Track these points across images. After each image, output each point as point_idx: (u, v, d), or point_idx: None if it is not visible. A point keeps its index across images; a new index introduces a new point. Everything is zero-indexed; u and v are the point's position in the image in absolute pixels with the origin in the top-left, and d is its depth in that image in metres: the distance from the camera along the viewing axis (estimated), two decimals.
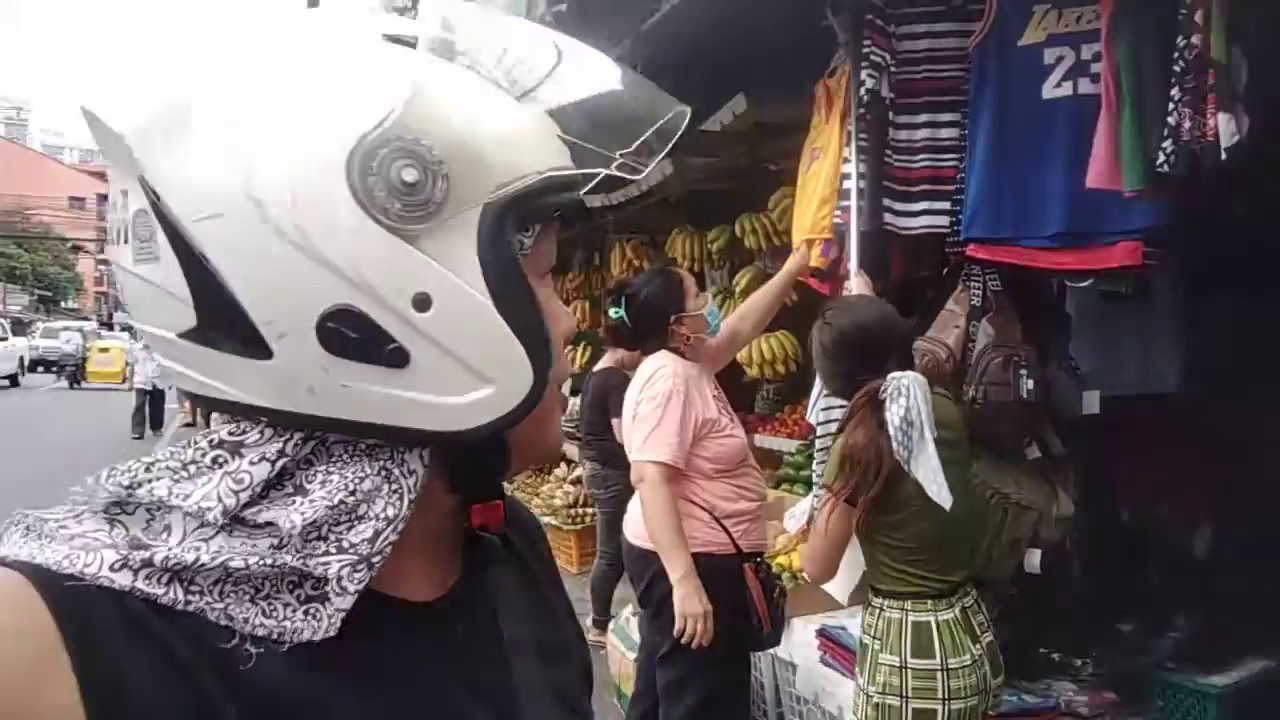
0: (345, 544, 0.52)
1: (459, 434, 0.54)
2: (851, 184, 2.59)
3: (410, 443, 0.55)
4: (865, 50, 2.50)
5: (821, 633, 2.81)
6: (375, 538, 0.53)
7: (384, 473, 0.55)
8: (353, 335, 0.51)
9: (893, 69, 2.53)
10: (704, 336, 2.67)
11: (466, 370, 0.53)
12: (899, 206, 2.55)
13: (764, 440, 4.76)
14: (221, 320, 0.51)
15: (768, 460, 4.75)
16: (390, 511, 0.54)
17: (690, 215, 5.24)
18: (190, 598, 0.50)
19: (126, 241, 0.53)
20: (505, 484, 0.65)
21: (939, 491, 1.83)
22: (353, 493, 0.53)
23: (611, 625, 3.84)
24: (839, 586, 2.27)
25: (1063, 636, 2.73)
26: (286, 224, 0.49)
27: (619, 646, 3.52)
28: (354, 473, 0.54)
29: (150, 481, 0.52)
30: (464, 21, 0.57)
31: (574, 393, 7.29)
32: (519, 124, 0.55)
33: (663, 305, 2.63)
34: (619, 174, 0.59)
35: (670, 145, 0.62)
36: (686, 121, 0.62)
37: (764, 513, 2.71)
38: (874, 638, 2.01)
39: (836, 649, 2.74)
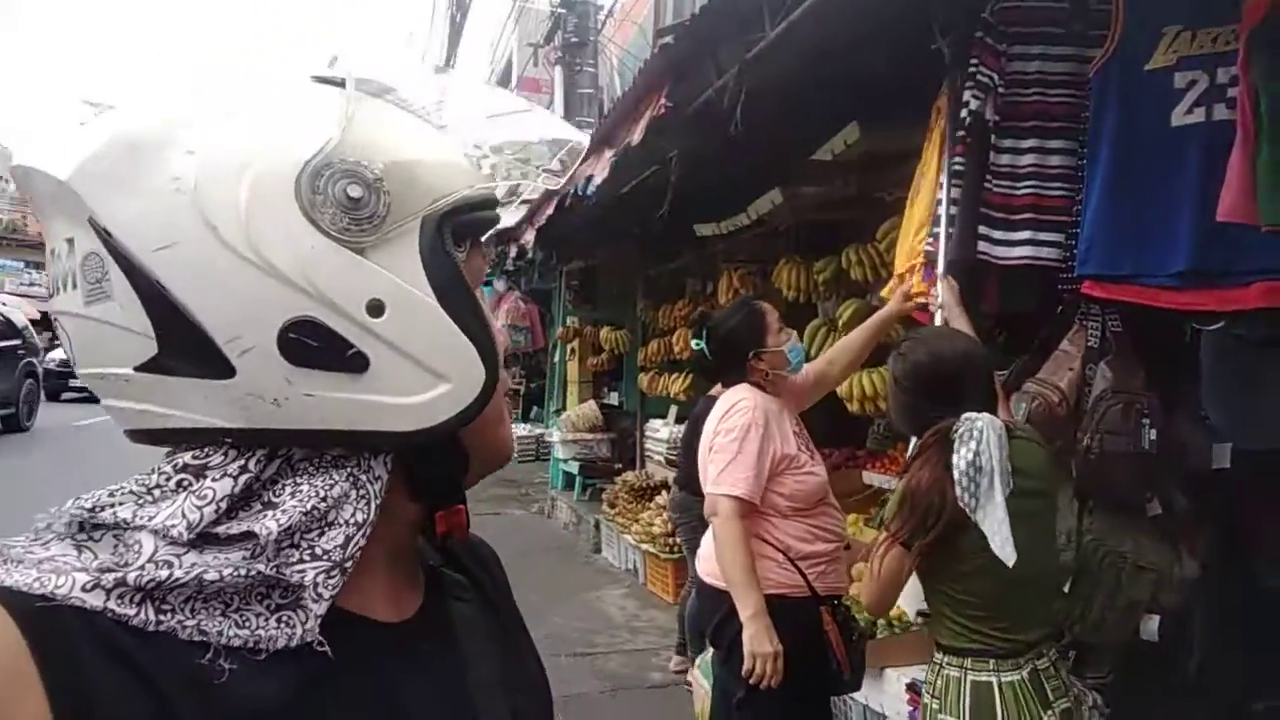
0: (318, 550, 0.54)
1: (421, 433, 0.57)
2: (943, 209, 2.47)
3: (375, 447, 0.58)
4: (972, 70, 2.38)
5: (912, 687, 2.66)
6: (346, 543, 0.55)
7: (351, 479, 0.57)
8: (313, 344, 0.54)
9: (1000, 90, 2.40)
10: (783, 373, 2.62)
11: (423, 370, 0.57)
12: (997, 235, 2.41)
13: (872, 477, 4.59)
14: (183, 345, 0.53)
15: (875, 499, 4.58)
16: (359, 517, 0.56)
17: (798, 245, 5.14)
18: (162, 618, 0.50)
19: (74, 287, 0.55)
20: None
21: (1003, 546, 1.70)
22: (324, 499, 0.55)
23: (698, 662, 3.75)
24: (908, 601, 2.14)
25: (1184, 712, 2.48)
26: (241, 244, 0.52)
27: (703, 684, 3.43)
28: (323, 481, 0.56)
29: (114, 505, 0.53)
30: (386, 71, 0.62)
31: (679, 420, 7.29)
32: (444, 148, 0.61)
33: (742, 340, 2.60)
34: (542, 184, 0.62)
35: (579, 161, 0.65)
36: (588, 144, 0.67)
37: (843, 554, 2.61)
38: (933, 696, 1.89)
39: None
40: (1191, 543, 2.32)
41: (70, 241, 0.55)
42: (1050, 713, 1.79)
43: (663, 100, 3.78)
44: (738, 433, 2.44)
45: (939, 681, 1.88)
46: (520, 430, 11.94)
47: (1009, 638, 1.83)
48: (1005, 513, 1.71)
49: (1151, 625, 2.25)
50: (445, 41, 14.76)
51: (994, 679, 1.80)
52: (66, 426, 13.10)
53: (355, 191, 0.54)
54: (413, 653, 0.62)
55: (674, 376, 7.40)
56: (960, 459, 1.75)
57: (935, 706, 1.86)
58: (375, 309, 0.55)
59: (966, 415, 1.81)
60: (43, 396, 13.76)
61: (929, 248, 2.56)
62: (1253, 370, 2.65)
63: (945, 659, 1.88)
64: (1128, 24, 2.22)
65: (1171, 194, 2.13)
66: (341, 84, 0.59)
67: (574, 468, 8.52)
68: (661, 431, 7.31)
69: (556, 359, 10.71)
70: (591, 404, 9.30)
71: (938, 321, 2.51)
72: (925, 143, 2.86)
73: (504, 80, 17.16)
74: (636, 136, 4.04)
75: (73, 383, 17.21)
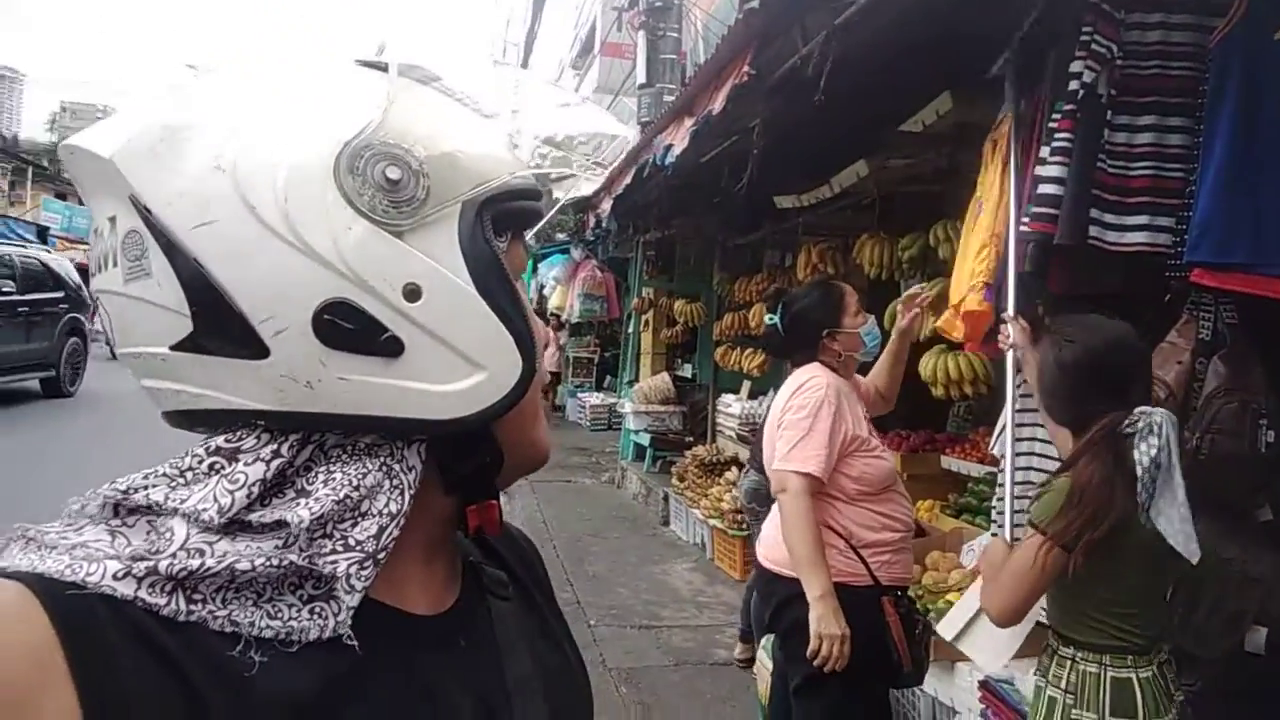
0: (351, 541, 0.54)
1: (455, 421, 0.56)
2: (1010, 198, 2.35)
3: (409, 435, 0.57)
4: (1085, 38, 2.20)
5: (985, 685, 2.57)
6: (380, 534, 0.55)
7: (385, 468, 0.56)
8: (348, 327, 0.53)
9: (1119, 61, 2.23)
10: (856, 356, 2.57)
11: (459, 357, 0.56)
12: (1110, 219, 2.24)
13: (950, 462, 4.46)
14: (218, 324, 0.53)
15: (953, 484, 4.45)
16: (393, 507, 0.56)
17: (883, 220, 4.96)
18: (193, 607, 0.50)
19: (115, 265, 0.55)
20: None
21: (1186, 544, 1.66)
22: (357, 488, 0.54)
23: (763, 642, 3.70)
24: (991, 655, 2.05)
25: None
26: (280, 224, 0.52)
27: (767, 665, 3.39)
28: (356, 470, 0.55)
29: (147, 488, 0.52)
30: (427, 58, 0.62)
31: (753, 396, 7.20)
32: (486, 135, 0.60)
33: (818, 317, 2.56)
34: (585, 176, 0.59)
35: (617, 161, 0.63)
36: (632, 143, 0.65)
37: (910, 544, 2.53)
38: (1065, 691, 1.83)
39: (1000, 705, 2.49)
40: None
41: (112, 220, 0.55)
42: (1174, 706, 1.78)
43: (746, 68, 3.67)
44: (810, 409, 2.39)
45: (1071, 676, 1.83)
46: (593, 399, 12.03)
47: (1145, 634, 1.82)
48: (1189, 510, 1.68)
49: (1259, 637, 2.12)
50: (530, 5, 14.74)
51: (1132, 675, 1.78)
52: (118, 392, 10.91)
53: (394, 174, 0.54)
54: (448, 646, 0.61)
55: (748, 351, 7.30)
56: (1143, 455, 1.69)
57: (1069, 702, 1.82)
58: (412, 293, 0.54)
59: (1142, 409, 1.75)
60: (98, 355, 11.96)
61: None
62: None
63: (1079, 654, 1.84)
64: None
65: None
66: (385, 69, 0.59)
67: (645, 439, 8.51)
68: (734, 407, 7.24)
69: (631, 329, 10.70)
70: (664, 376, 9.26)
71: (1009, 363, 2.44)
72: (981, 171, 2.75)
73: (587, 46, 17.09)
74: (718, 105, 3.94)
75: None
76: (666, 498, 7.27)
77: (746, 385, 7.40)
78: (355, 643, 0.53)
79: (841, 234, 5.65)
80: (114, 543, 0.51)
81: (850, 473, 2.40)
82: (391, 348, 0.54)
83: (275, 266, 0.52)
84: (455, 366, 0.56)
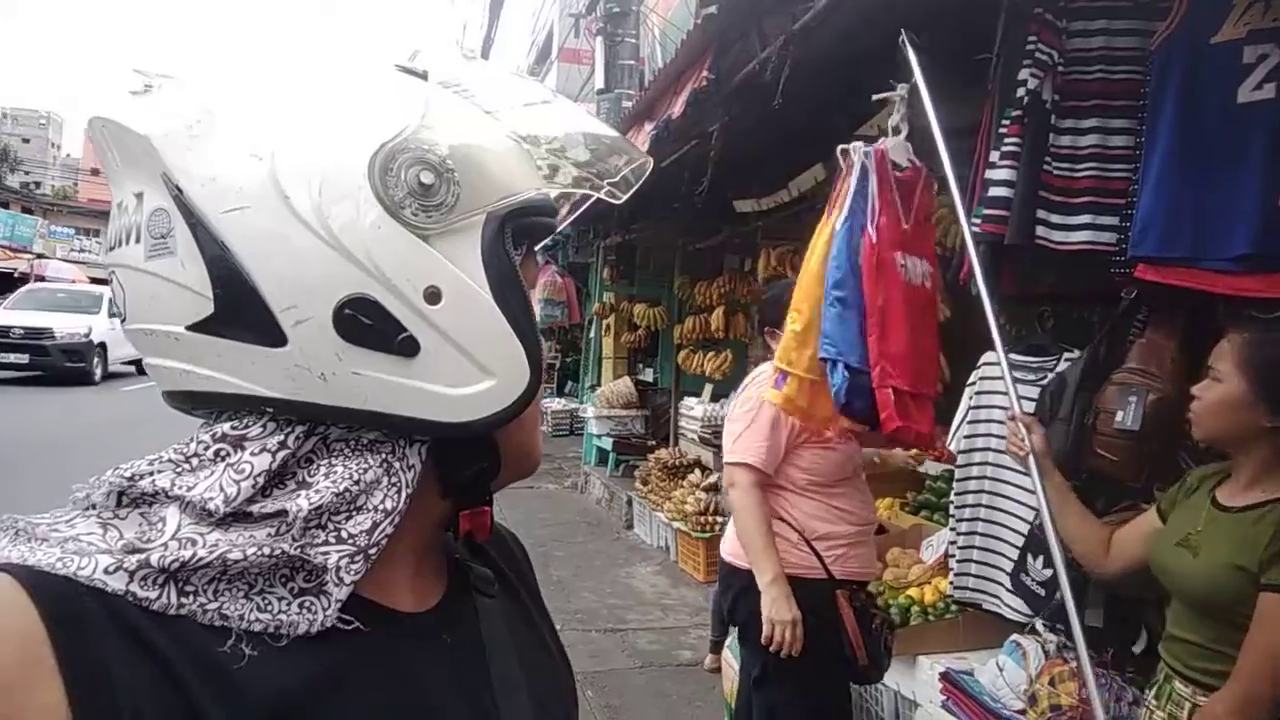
0: (344, 534, 0.54)
1: (461, 425, 0.57)
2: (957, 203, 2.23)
3: (413, 434, 0.58)
4: (1029, 47, 2.27)
5: (945, 676, 2.61)
6: (373, 529, 0.55)
7: (385, 465, 0.57)
8: (368, 323, 0.54)
9: (1061, 68, 2.30)
10: None
11: (471, 362, 0.57)
12: (1055, 219, 2.31)
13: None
14: (238, 308, 0.53)
15: (912, 482, 4.52)
16: (388, 504, 0.56)
17: None
18: (184, 600, 0.50)
19: (137, 241, 0.55)
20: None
21: None
22: (357, 482, 0.55)
23: (728, 640, 3.73)
24: None
25: None
26: (311, 216, 0.53)
27: (733, 664, 3.42)
28: (357, 464, 0.56)
29: (152, 474, 0.53)
30: (461, 67, 0.64)
31: (714, 398, 7.25)
32: (514, 149, 0.61)
33: (768, 313, 2.63)
34: (604, 198, 0.65)
35: (640, 182, 0.68)
36: (652, 166, 0.69)
37: (870, 539, 2.56)
38: None
39: (960, 695, 2.53)
40: None
41: (139, 196, 0.55)
42: None
43: (705, 73, 3.72)
44: (753, 403, 2.46)
45: None
46: (555, 405, 11.99)
47: None
48: None
49: None
50: (487, 10, 14.72)
51: None
52: None
53: (427, 178, 0.55)
54: (434, 643, 0.62)
55: (710, 354, 7.35)
56: None
57: None
58: (432, 296, 0.55)
59: None
60: None
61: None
62: None
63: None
64: None
65: (1235, 173, 2.03)
66: (424, 76, 0.61)
67: (607, 444, 8.51)
68: (696, 409, 7.28)
69: (592, 334, 10.70)
70: (626, 380, 9.28)
71: (1034, 471, 2.00)
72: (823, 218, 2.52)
73: (545, 52, 17.10)
74: (677, 109, 3.99)
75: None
76: (630, 501, 7.27)
77: (709, 388, 7.45)
78: (356, 624, 0.54)
79: (800, 237, 5.71)
80: (105, 535, 0.51)
81: (800, 464, 2.45)
82: (407, 347, 0.55)
83: (303, 257, 0.53)
84: (466, 371, 0.57)
